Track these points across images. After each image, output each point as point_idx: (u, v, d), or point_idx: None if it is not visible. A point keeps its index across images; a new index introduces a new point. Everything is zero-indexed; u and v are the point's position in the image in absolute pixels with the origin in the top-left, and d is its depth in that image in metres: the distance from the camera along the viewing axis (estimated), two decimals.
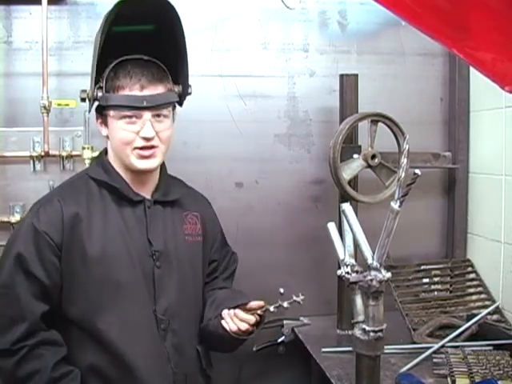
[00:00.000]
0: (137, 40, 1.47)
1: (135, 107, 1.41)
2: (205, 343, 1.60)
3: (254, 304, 1.48)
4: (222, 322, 1.49)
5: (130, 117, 1.42)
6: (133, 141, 1.43)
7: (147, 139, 1.43)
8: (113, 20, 1.42)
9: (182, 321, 1.52)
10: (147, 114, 1.42)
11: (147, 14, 1.46)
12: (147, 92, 1.42)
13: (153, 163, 1.47)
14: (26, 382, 1.36)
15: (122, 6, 1.40)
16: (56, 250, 1.41)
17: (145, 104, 1.41)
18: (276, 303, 1.45)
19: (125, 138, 1.44)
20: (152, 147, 1.45)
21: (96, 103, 1.49)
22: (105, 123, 1.48)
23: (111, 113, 1.44)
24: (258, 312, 1.48)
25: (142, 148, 1.44)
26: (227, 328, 1.47)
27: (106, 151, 1.56)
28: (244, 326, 1.45)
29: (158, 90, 1.44)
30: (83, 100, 1.50)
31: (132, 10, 1.41)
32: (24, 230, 1.43)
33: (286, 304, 1.45)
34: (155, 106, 1.43)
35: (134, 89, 1.42)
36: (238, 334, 1.47)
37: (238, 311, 1.48)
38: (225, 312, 1.50)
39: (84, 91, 1.48)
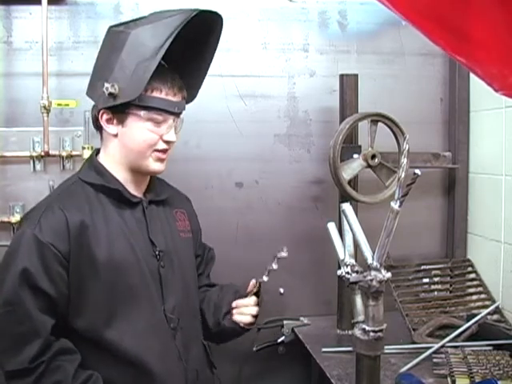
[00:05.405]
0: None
1: (169, 112, 1.44)
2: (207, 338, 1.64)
3: (250, 288, 1.65)
4: (235, 317, 1.63)
5: (158, 120, 1.44)
6: (155, 143, 1.45)
7: (169, 143, 1.47)
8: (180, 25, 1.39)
9: (189, 318, 1.54)
10: (172, 120, 1.46)
11: (197, 25, 1.45)
12: (177, 99, 1.45)
13: (164, 166, 1.50)
14: None
15: (195, 15, 1.40)
16: (63, 260, 1.34)
17: (176, 110, 1.45)
18: (265, 272, 1.61)
19: (150, 140, 1.44)
20: (167, 151, 1.48)
21: (120, 100, 1.39)
22: (120, 121, 1.44)
23: (141, 113, 1.41)
24: (254, 290, 1.64)
25: (161, 151, 1.47)
26: (241, 321, 1.62)
27: (96, 152, 1.53)
28: (249, 319, 1.62)
29: (181, 97, 1.48)
30: (111, 95, 1.38)
31: (195, 19, 1.41)
32: (26, 243, 1.34)
33: (274, 266, 1.60)
34: (180, 113, 1.49)
35: (169, 94, 1.43)
36: (249, 325, 1.64)
37: (242, 302, 1.63)
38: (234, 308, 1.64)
39: (113, 85, 1.37)
